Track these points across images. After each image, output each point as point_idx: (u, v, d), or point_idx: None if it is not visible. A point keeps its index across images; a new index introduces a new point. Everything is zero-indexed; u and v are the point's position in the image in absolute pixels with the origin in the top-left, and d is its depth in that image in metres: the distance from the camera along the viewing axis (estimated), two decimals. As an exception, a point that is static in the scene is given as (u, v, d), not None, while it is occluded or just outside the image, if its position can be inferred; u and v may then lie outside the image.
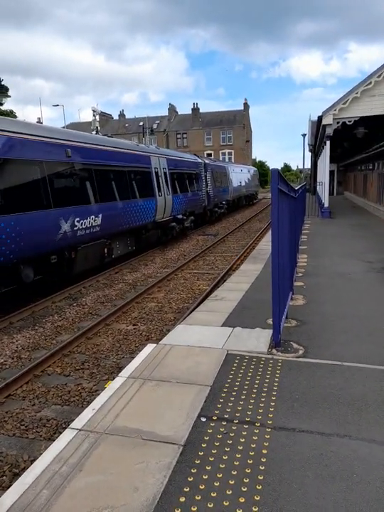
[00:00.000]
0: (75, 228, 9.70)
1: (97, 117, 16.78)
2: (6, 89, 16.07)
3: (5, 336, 6.97)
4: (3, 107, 38.98)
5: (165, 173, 15.67)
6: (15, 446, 4.04)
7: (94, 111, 16.63)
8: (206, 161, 22.86)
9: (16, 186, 8.13)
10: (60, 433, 3.76)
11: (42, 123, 26.53)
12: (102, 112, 51.48)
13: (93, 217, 10.47)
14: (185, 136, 56.47)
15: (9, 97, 16.73)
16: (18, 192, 8.14)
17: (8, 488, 2.79)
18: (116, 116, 60.56)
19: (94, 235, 10.61)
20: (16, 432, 4.26)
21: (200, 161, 21.55)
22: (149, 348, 4.49)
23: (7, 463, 3.77)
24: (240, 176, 32.11)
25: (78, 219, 9.81)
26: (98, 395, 3.93)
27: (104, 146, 11.65)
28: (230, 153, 55.09)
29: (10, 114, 38.01)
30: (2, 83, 16.86)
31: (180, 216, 16.75)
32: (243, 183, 33.44)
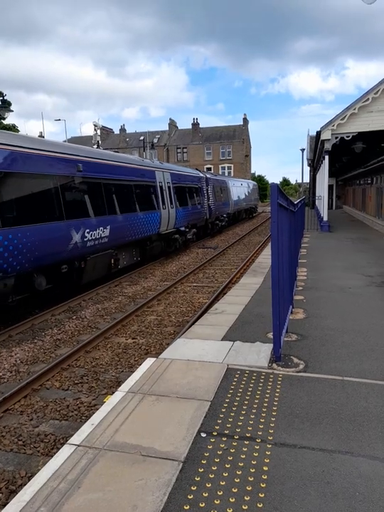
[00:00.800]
0: (85, 239, 10.06)
1: (98, 132, 16.98)
2: (9, 103, 16.32)
3: (4, 349, 6.92)
4: (6, 121, 39.44)
5: (169, 187, 16.12)
6: (12, 462, 3.98)
7: (95, 125, 16.83)
8: (208, 176, 23.45)
9: (32, 199, 8.52)
10: (58, 448, 3.71)
11: (44, 137, 26.80)
12: (103, 126, 52.12)
13: (102, 228, 10.85)
14: (185, 150, 57.05)
15: (12, 111, 16.92)
16: (32, 204, 8.53)
17: (4, 505, 2.74)
18: (117, 131, 61.26)
19: (103, 246, 10.96)
20: (14, 448, 4.20)
21: (201, 175, 22.10)
22: (149, 362, 4.46)
23: (4, 479, 3.71)
24: (240, 189, 32.88)
25: (88, 230, 10.18)
26: (97, 409, 3.89)
27: (112, 161, 12.13)
28: (229, 168, 55.58)
29: (12, 128, 38.44)
30: (5, 98, 17.09)
31: (183, 228, 17.19)
32: (243, 197, 34.22)
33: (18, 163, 8.12)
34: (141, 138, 46.71)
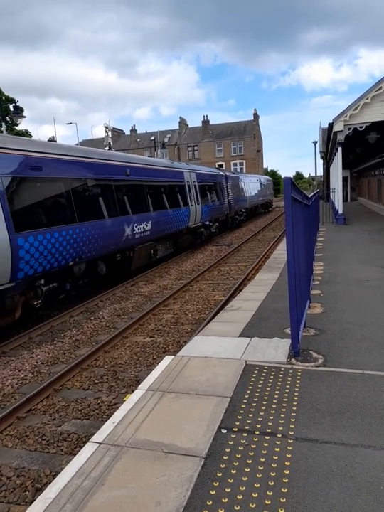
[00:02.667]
0: (134, 232, 12.02)
1: (110, 133, 17.10)
2: (21, 110, 16.57)
3: (25, 351, 7.05)
4: (19, 128, 40.07)
5: (195, 186, 18.05)
6: (37, 461, 4.06)
7: (106, 127, 16.95)
8: (227, 173, 25.31)
9: (97, 200, 10.47)
10: (81, 447, 3.77)
11: (56, 141, 27.14)
12: (113, 128, 52.46)
13: (145, 223, 12.80)
14: (196, 148, 57.00)
15: (24, 117, 17.18)
16: (98, 204, 10.43)
17: (31, 503, 2.80)
18: (127, 132, 61.57)
19: (146, 238, 12.90)
20: (38, 447, 4.28)
21: (221, 173, 24.02)
22: (167, 360, 4.48)
23: (29, 478, 3.79)
24: (255, 185, 34.37)
25: (136, 225, 12.15)
26: (117, 408, 3.94)
27: (149, 165, 14.18)
28: (241, 164, 55.31)
29: (25, 134, 39.05)
30: (17, 104, 17.37)
31: (207, 223, 19.19)
32: (259, 192, 35.68)
33: (91, 172, 10.22)
34: (152, 138, 46.89)
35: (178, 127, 59.52)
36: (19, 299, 7.94)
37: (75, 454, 2.99)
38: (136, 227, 12.07)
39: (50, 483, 3.21)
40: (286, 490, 2.41)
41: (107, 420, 3.41)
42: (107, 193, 10.80)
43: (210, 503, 2.34)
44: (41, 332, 8.04)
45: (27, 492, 3.62)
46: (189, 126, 60.58)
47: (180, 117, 60.14)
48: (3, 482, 3.76)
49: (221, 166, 51.32)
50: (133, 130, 60.30)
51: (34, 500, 2.64)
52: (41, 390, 5.36)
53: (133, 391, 4.02)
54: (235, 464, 2.68)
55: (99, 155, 10.97)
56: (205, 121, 57.45)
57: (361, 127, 15.92)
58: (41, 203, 8.49)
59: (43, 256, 8.09)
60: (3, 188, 7.33)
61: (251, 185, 31.96)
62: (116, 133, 58.45)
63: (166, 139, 54.12)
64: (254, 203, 33.33)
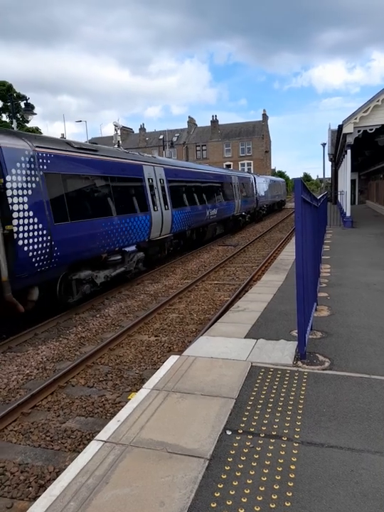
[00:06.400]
0: (210, 215, 18.73)
1: (119, 132, 17.13)
2: (32, 107, 16.66)
3: (30, 347, 7.08)
4: (29, 125, 40.30)
5: (237, 185, 24.93)
6: (40, 457, 4.08)
7: (115, 125, 16.98)
8: (254, 176, 32.17)
9: (189, 193, 16.73)
10: (85, 445, 3.78)
11: (65, 138, 27.25)
12: (123, 126, 52.57)
13: (214, 210, 19.45)
14: (204, 148, 56.93)
15: (35, 114, 17.28)
16: (188, 195, 16.51)
17: (35, 499, 2.81)
18: (136, 131, 61.66)
19: (213, 221, 19.52)
20: (42, 443, 4.29)
21: (251, 175, 31.56)
22: (172, 359, 4.47)
23: (33, 474, 3.80)
24: (273, 185, 41.35)
25: (210, 211, 18.85)
26: (121, 406, 3.94)
27: (217, 171, 22.30)
28: (249, 164, 55.15)
29: (36, 130, 39.26)
30: (28, 101, 17.47)
31: (243, 213, 26.28)
32: (276, 192, 42.90)
33: (199, 178, 17.89)
34: (161, 137, 46.89)
35: (187, 126, 59.49)
36: (172, 241, 14.75)
37: (79, 452, 3.00)
38: (210, 212, 18.71)
39: (53, 479, 3.22)
40: (291, 494, 2.39)
41: (111, 418, 3.41)
42: (198, 189, 17.59)
43: (215, 505, 2.33)
44: (47, 328, 8.07)
45: (30, 488, 3.62)
46: (198, 125, 60.51)
47: (188, 116, 60.17)
48: (7, 477, 3.77)
49: (229, 166, 51.21)
50: (142, 129, 60.36)
51: (38, 497, 2.64)
52: (46, 387, 5.38)
53: (137, 390, 4.02)
54: (239, 466, 2.66)
55: (204, 169, 20.05)
56: (214, 121, 57.33)
57: (371, 129, 15.80)
58: (188, 195, 16.40)
59: (179, 221, 14.85)
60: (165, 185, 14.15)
61: (270, 186, 38.57)
62: (126, 131, 58.53)
63: (174, 138, 54.09)
64: (273, 201, 40.36)
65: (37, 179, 7.69)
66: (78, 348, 7.01)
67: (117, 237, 10.33)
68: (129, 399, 4.64)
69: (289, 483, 2.47)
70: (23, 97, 32.94)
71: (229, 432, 3.04)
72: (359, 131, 16.00)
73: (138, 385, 5.37)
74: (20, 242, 7.17)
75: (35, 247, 7.50)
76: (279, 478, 2.53)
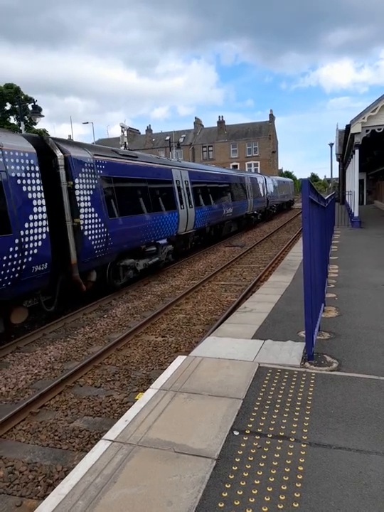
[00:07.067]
0: (226, 213, 20.29)
1: (125, 133, 17.21)
2: (40, 109, 16.80)
3: (38, 348, 7.14)
4: (36, 127, 40.62)
5: (249, 185, 26.72)
6: (49, 457, 4.10)
7: (122, 127, 17.06)
8: (265, 177, 34.09)
9: (208, 194, 18.16)
10: (92, 444, 3.80)
11: (72, 139, 27.43)
12: (129, 127, 52.76)
13: (230, 209, 21.16)
14: (210, 149, 56.91)
15: (42, 116, 17.42)
16: (209, 195, 18.18)
17: (44, 498, 2.83)
18: (143, 132, 61.83)
19: (228, 218, 21.23)
20: (50, 443, 4.32)
21: (262, 176, 33.18)
22: (180, 360, 4.48)
23: (42, 473, 3.83)
24: (283, 186, 42.95)
25: (226, 209, 20.45)
26: (129, 406, 3.96)
27: (233, 173, 24.59)
28: (255, 165, 55.03)
29: (43, 132, 39.54)
30: (36, 103, 17.61)
31: (255, 212, 28.08)
32: (285, 192, 44.53)
33: (200, 178, 17.42)
34: (167, 138, 46.98)
35: (193, 127, 59.53)
36: (194, 236, 16.42)
37: (87, 451, 3.02)
38: (226, 211, 20.39)
39: (61, 478, 3.24)
40: (299, 495, 2.38)
41: (118, 418, 3.43)
42: (218, 190, 19.76)
43: (222, 505, 2.33)
44: (55, 329, 8.12)
45: (39, 487, 3.65)
46: (205, 126, 60.52)
47: (195, 117, 60.19)
48: (16, 476, 3.80)
49: (235, 167, 51.15)
50: (148, 130, 60.51)
51: (46, 495, 2.67)
52: (54, 387, 5.41)
53: (144, 390, 4.03)
54: (247, 466, 2.66)
55: (221, 171, 22.30)
56: (221, 122, 57.30)
57: (379, 129, 15.69)
58: (207, 195, 18.10)
59: (201, 218, 16.54)
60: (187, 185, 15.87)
61: (280, 186, 40.16)
62: (132, 132, 58.73)
63: (180, 139, 54.14)
64: (282, 200, 41.87)
65: (96, 181, 9.35)
66: (86, 348, 7.05)
67: (153, 231, 12.11)
68: (137, 399, 4.65)
69: (297, 484, 2.47)
70: (31, 99, 33.20)
71: (236, 433, 3.04)
72: (367, 130, 15.90)
73: (145, 385, 5.39)
74: (86, 233, 8.79)
75: (96, 237, 9.16)
76: (286, 479, 2.52)
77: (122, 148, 15.93)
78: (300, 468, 2.62)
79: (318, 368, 4.08)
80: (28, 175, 7.38)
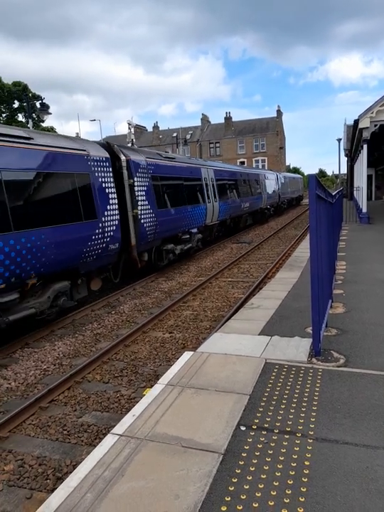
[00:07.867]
0: (243, 207, 22.25)
1: (132, 130, 17.24)
2: (47, 107, 16.87)
3: (47, 344, 7.21)
4: (44, 124, 40.79)
5: (263, 181, 28.65)
6: (58, 451, 4.16)
7: (129, 124, 17.09)
8: (277, 173, 36.21)
9: (226, 190, 19.87)
10: (101, 439, 3.84)
11: (80, 137, 27.53)
12: (136, 124, 52.77)
13: (247, 203, 23.07)
14: (218, 145, 56.70)
15: (50, 114, 17.51)
16: (229, 192, 20.20)
17: (53, 491, 2.88)
18: (150, 129, 61.79)
19: (245, 212, 23.20)
20: (59, 437, 4.38)
21: (275, 173, 35.09)
22: (187, 355, 4.51)
23: (51, 467, 3.89)
24: (292, 182, 44.46)
25: (244, 203, 22.31)
26: (136, 402, 3.99)
27: (250, 171, 26.72)
28: (263, 161, 54.71)
29: (51, 130, 39.74)
30: (43, 101, 17.69)
31: (268, 206, 30.00)
32: (294, 188, 45.76)
33: (222, 175, 19.37)
34: (174, 135, 46.91)
35: (200, 124, 59.33)
36: (217, 227, 18.43)
37: (95, 445, 3.06)
38: (244, 205, 22.29)
39: (70, 472, 3.29)
40: (305, 489, 2.39)
41: (126, 413, 3.46)
42: (237, 186, 21.56)
43: (229, 498, 2.35)
44: (63, 325, 8.20)
45: (48, 480, 3.71)
46: (212, 122, 60.28)
47: (202, 114, 59.96)
48: (26, 469, 3.87)
49: (243, 163, 50.94)
50: (155, 127, 60.44)
51: (55, 488, 2.71)
52: (63, 382, 5.48)
53: (152, 386, 4.06)
54: (253, 461, 2.68)
55: (239, 169, 24.47)
56: (228, 118, 57.01)
57: (388, 124, 15.50)
58: (228, 191, 20.10)
59: (223, 211, 18.39)
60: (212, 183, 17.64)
61: (290, 182, 41.82)
62: (139, 129, 58.69)
63: (188, 136, 53.92)
64: (291, 196, 43.33)
65: (148, 179, 11.56)
66: (94, 344, 7.11)
67: (187, 221, 14.35)
68: (144, 394, 4.68)
69: (304, 479, 2.48)
70: (39, 97, 33.32)
71: (243, 428, 3.06)
72: (376, 125, 15.73)
73: (153, 380, 5.43)
74: (142, 221, 10.99)
75: (149, 224, 11.35)
76: (293, 473, 2.54)
77: (129, 144, 16.01)
78: (306, 463, 2.63)
79: (325, 364, 4.08)
80: (105, 175, 9.42)
